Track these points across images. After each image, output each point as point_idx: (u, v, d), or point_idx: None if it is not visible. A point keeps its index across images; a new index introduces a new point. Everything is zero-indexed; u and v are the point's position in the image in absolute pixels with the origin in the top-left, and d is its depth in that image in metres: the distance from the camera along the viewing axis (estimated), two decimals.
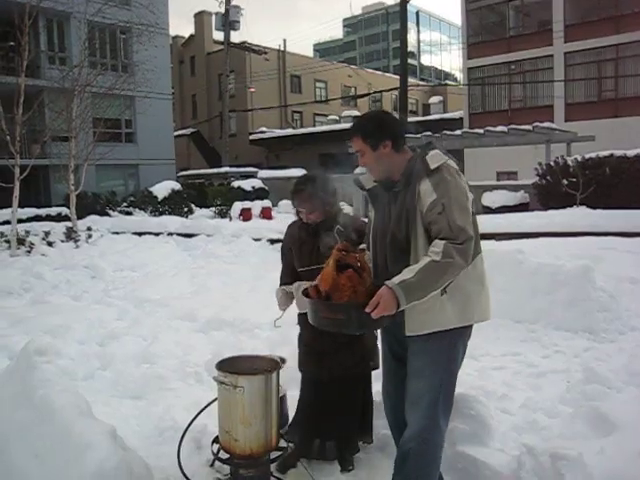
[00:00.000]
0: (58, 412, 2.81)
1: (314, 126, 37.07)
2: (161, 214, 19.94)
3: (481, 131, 18.61)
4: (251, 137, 34.52)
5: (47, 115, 16.64)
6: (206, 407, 3.06)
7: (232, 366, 2.90)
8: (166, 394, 4.24)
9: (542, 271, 5.56)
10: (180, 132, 34.67)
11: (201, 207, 21.63)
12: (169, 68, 26.39)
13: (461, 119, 27.06)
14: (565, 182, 13.37)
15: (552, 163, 14.60)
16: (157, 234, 14.09)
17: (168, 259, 11.15)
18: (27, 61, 11.57)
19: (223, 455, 2.96)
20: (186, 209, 20.73)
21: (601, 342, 4.97)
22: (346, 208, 3.20)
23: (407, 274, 2.16)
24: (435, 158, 2.29)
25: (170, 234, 14.00)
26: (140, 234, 14.18)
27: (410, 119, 27.66)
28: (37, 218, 17.84)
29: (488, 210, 15.12)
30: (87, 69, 13.55)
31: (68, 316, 6.26)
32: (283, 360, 3.12)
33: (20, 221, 16.42)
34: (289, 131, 34.27)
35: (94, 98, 14.84)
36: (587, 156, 13.77)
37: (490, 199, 15.57)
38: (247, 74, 34.78)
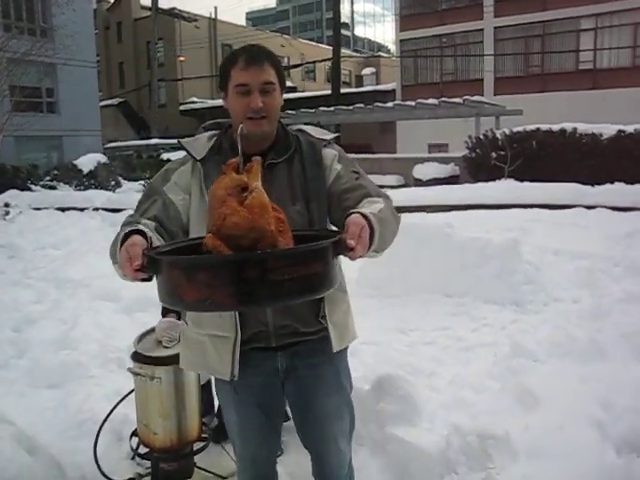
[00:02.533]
0: None
1: None
2: (87, 188, 19.05)
3: (413, 103, 18.73)
4: (181, 107, 33.50)
5: None
6: (124, 399, 2.90)
7: (149, 353, 2.72)
8: (86, 382, 4.00)
9: (471, 245, 5.60)
10: (107, 102, 33.18)
11: (129, 180, 20.83)
12: (93, 34, 25.07)
13: (394, 91, 27.17)
14: (494, 155, 13.66)
15: (482, 136, 14.87)
16: (82, 209, 13.43)
17: (93, 235, 10.63)
18: None
19: (143, 449, 2.81)
20: (113, 182, 19.90)
21: (527, 314, 5.07)
22: None
23: (370, 208, 1.52)
24: (320, 131, 1.89)
25: (96, 209, 13.37)
26: (64, 209, 13.48)
27: (343, 90, 27.51)
28: None
29: (419, 182, 15.30)
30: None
31: None
32: None
33: None
34: (220, 101, 33.30)
35: (8, 64, 13.85)
36: (515, 130, 14.08)
37: (421, 171, 15.75)
38: (177, 42, 33.57)
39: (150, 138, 27.94)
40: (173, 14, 31.80)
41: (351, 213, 1.45)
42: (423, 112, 18.73)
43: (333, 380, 1.86)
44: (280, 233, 1.29)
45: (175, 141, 26.68)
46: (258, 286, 1.14)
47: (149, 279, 1.32)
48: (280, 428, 2.02)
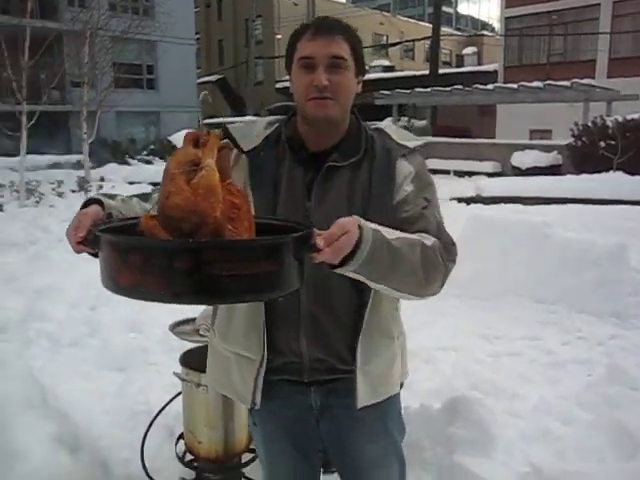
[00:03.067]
0: (2, 401, 2.51)
1: None
2: None
3: (515, 86, 17.69)
4: (277, 85, 33.68)
5: (66, 60, 16.21)
6: (174, 398, 2.73)
7: (200, 356, 2.53)
8: (147, 369, 3.94)
9: (570, 247, 5.07)
10: (206, 79, 34.00)
11: None
12: (192, 12, 25.58)
13: (496, 72, 25.84)
14: (602, 144, 12.62)
15: (590, 123, 13.78)
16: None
17: None
18: (32, 2, 11.04)
19: (189, 456, 2.64)
20: None
21: (629, 329, 4.51)
22: None
23: (383, 228, 1.24)
24: (405, 135, 1.54)
25: None
26: (155, 184, 13.83)
27: (441, 70, 26.52)
28: (57, 165, 17.65)
29: (517, 171, 14.46)
30: (101, 11, 12.95)
31: (63, 275, 5.98)
32: None
33: (38, 168, 16.28)
34: None
35: (112, 42, 14.30)
36: (629, 117, 12.93)
37: (520, 159, 14.87)
38: (275, 19, 33.67)
39: (245, 115, 28.35)
40: None
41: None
42: (526, 95, 17.65)
43: (377, 425, 1.56)
44: (231, 221, 1.09)
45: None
46: (191, 279, 0.98)
47: (95, 255, 1.15)
48: (319, 475, 1.73)
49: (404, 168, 1.45)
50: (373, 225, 1.21)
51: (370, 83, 20.94)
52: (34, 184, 11.12)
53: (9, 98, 11.36)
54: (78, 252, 1.20)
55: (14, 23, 11.23)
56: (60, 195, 11.30)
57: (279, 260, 1.04)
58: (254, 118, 26.99)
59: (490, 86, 19.11)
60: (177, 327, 2.65)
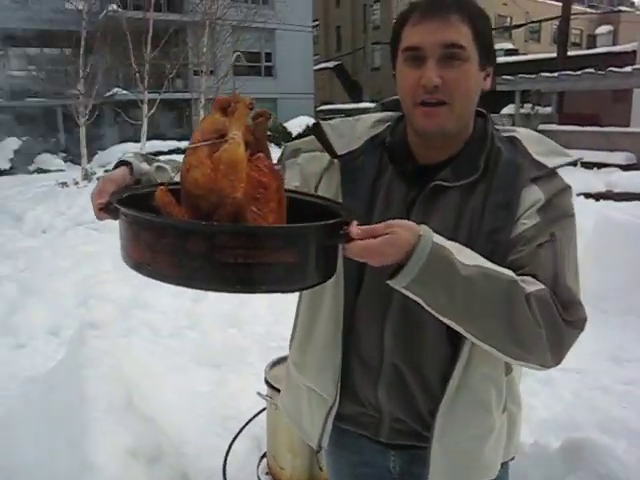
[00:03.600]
0: (85, 405, 2.44)
1: None
2: None
3: None
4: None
5: (188, 50, 16.81)
6: (256, 415, 2.56)
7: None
8: (243, 369, 3.82)
9: None
10: (323, 65, 34.17)
11: None
12: None
13: (634, 53, 23.60)
14: None
15: None
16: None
17: None
18: None
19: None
20: None
21: None
22: None
23: (456, 248, 0.97)
24: (546, 147, 1.16)
25: None
26: None
27: (570, 53, 24.68)
28: (177, 151, 18.42)
29: None
30: (221, 2, 13.19)
31: None
32: None
33: (161, 153, 17.05)
34: None
35: (231, 31, 14.57)
36: None
37: None
38: (393, 4, 33.03)
39: (361, 101, 28.15)
40: None
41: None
42: None
43: None
44: (255, 201, 0.95)
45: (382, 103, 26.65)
46: (201, 264, 0.88)
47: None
48: None
49: (531, 195, 1.08)
50: (441, 239, 0.95)
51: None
52: None
53: (133, 87, 11.89)
54: (100, 219, 1.05)
55: (138, 17, 11.71)
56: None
57: (300, 250, 0.90)
58: (366, 105, 26.74)
59: (628, 68, 17.45)
60: (271, 369, 2.43)
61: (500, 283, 0.96)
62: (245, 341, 4.21)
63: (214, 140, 0.95)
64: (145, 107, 11.26)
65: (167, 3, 20.02)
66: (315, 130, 1.25)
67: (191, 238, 0.88)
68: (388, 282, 0.95)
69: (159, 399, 3.20)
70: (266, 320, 4.60)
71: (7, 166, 17.68)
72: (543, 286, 1.00)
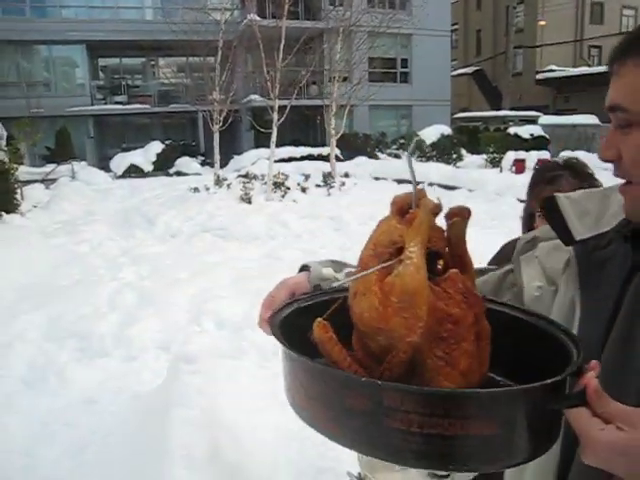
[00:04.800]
0: (167, 457, 2.15)
1: None
2: (428, 159, 19.14)
3: None
4: (538, 76, 31.29)
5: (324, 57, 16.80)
6: None
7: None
8: None
9: None
10: (461, 71, 33.08)
11: (472, 153, 20.21)
12: (448, 2, 24.77)
13: None
14: None
15: None
16: (417, 183, 13.34)
17: None
18: (288, 5, 11.42)
19: None
20: (455, 155, 19.58)
21: None
22: None
23: None
24: None
25: (431, 184, 13.12)
26: (399, 182, 13.57)
27: None
28: (309, 157, 18.53)
29: None
30: (357, 8, 12.94)
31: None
32: None
33: (293, 159, 17.20)
34: (583, 69, 29.95)
35: (366, 37, 14.30)
36: None
37: None
38: (538, 5, 31.14)
39: (500, 109, 26.80)
40: None
41: None
42: None
43: None
44: (440, 341, 0.67)
45: (526, 113, 25.10)
46: (364, 427, 0.63)
47: None
48: None
49: None
50: None
51: None
52: (282, 177, 11.55)
53: (266, 94, 11.99)
54: (262, 329, 0.87)
55: (272, 25, 11.79)
56: (304, 190, 11.59)
57: (508, 419, 0.62)
58: (506, 112, 25.25)
59: None
60: None
61: None
62: None
63: (383, 263, 0.69)
64: (275, 115, 11.27)
65: (304, 11, 20.23)
66: (546, 205, 0.91)
67: (351, 391, 0.66)
68: None
69: (252, 439, 2.89)
70: None
71: (150, 168, 18.81)
72: None
